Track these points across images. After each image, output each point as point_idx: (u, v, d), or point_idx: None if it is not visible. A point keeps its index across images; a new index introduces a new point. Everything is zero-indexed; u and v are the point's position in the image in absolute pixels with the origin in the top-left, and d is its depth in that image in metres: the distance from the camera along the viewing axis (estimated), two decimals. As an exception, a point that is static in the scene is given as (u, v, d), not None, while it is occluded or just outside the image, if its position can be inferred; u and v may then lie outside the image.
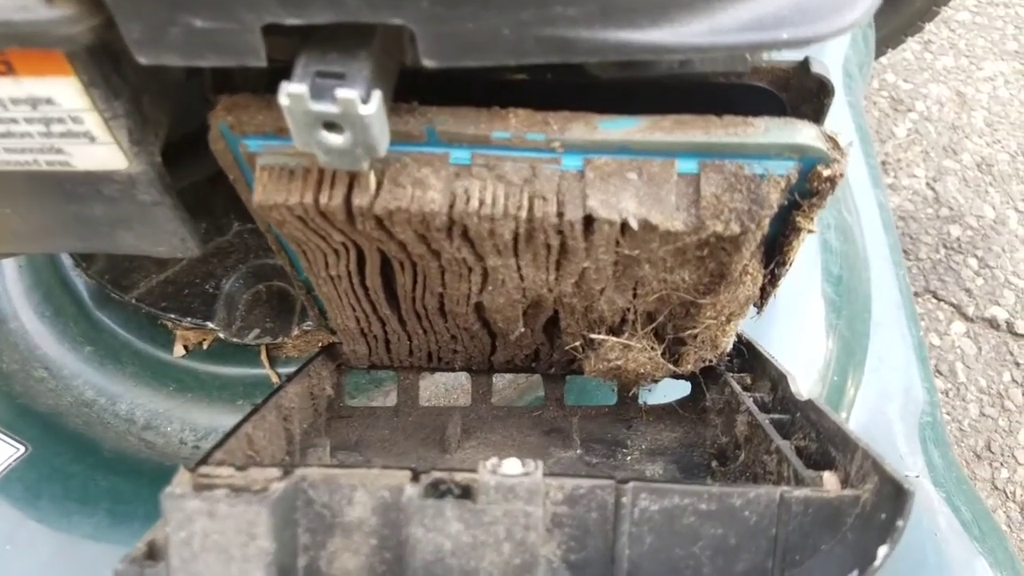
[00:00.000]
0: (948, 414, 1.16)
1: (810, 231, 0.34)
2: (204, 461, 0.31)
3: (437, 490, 0.28)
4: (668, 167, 0.31)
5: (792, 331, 0.78)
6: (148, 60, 0.26)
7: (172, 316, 0.58)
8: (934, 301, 1.27)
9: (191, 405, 0.60)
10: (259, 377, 0.61)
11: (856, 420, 0.75)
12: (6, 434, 0.55)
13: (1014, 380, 1.19)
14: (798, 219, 0.34)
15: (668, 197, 0.31)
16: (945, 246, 1.33)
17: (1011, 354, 1.22)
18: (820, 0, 0.26)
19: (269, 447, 0.38)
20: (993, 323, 1.24)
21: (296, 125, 0.28)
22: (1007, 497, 1.08)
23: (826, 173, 0.31)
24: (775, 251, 0.37)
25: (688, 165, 0.31)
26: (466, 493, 0.28)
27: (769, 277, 0.39)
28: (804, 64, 0.33)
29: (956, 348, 1.22)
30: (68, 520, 0.52)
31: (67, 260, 0.65)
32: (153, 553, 0.28)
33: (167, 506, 0.26)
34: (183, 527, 0.27)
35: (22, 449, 0.55)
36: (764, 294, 0.40)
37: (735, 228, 0.31)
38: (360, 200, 0.31)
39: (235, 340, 0.58)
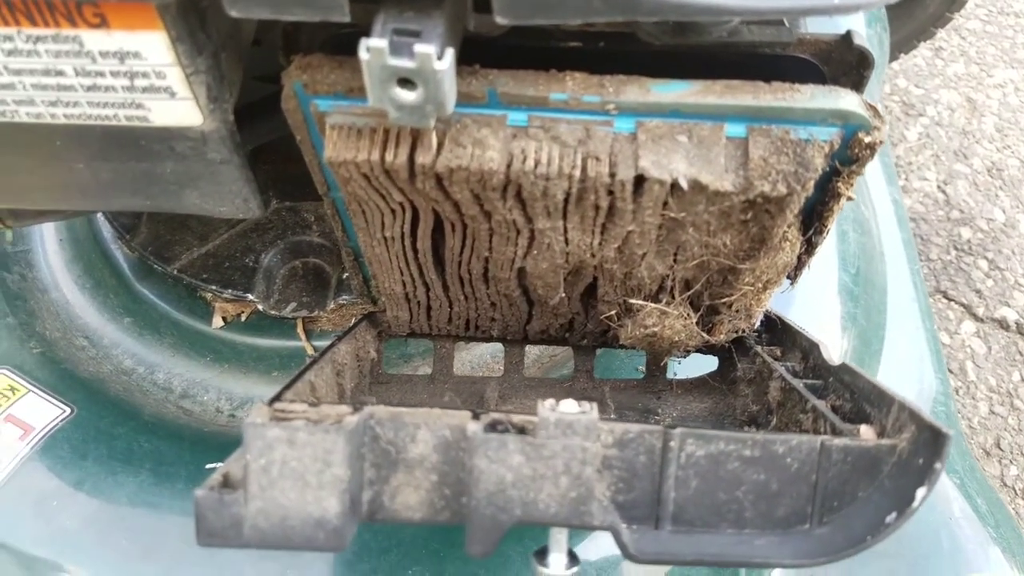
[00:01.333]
0: (958, 412, 1.17)
1: (849, 198, 0.36)
2: (277, 399, 0.32)
3: (495, 429, 0.30)
4: (717, 130, 0.33)
5: (811, 321, 0.79)
6: (238, 13, 0.28)
7: (213, 287, 0.60)
8: (945, 301, 1.29)
9: (227, 375, 0.62)
10: (294, 349, 0.63)
11: (872, 408, 0.76)
12: (52, 396, 0.57)
13: (1023, 379, 1.21)
14: (839, 185, 0.35)
15: (717, 159, 0.33)
16: (956, 248, 1.35)
17: (1020, 354, 1.23)
18: (871, -32, 0.28)
19: (326, 397, 0.39)
20: (1003, 324, 1.26)
21: (372, 80, 0.29)
22: (1016, 494, 1.09)
23: (867, 140, 0.33)
24: (813, 219, 0.39)
25: (736, 129, 0.33)
26: (522, 433, 0.30)
27: (806, 245, 0.40)
28: (847, 37, 0.35)
29: (966, 347, 1.24)
30: (114, 479, 0.53)
31: (107, 234, 0.67)
32: (229, 483, 0.30)
33: (249, 434, 0.28)
34: (263, 454, 0.28)
35: (68, 411, 0.56)
36: (800, 263, 0.42)
37: (782, 189, 0.33)
38: (423, 158, 0.33)
39: (273, 312, 0.60)
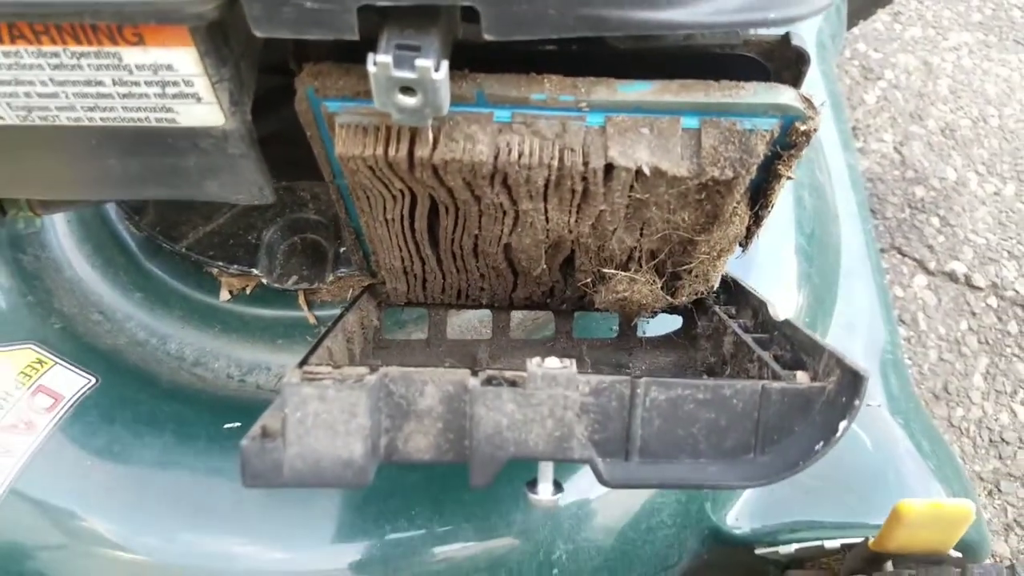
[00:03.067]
0: (910, 359, 1.26)
1: (789, 178, 0.42)
2: (305, 362, 0.38)
3: (492, 383, 0.36)
4: (674, 123, 0.38)
5: (769, 280, 0.86)
6: (263, 33, 0.33)
7: (220, 263, 0.64)
8: (899, 256, 1.37)
9: (235, 344, 0.67)
10: (297, 319, 0.68)
11: (824, 357, 0.84)
12: (77, 367, 0.62)
13: (970, 328, 1.30)
14: (779, 167, 0.41)
15: (675, 148, 0.38)
16: (910, 206, 1.43)
17: (968, 304, 1.32)
18: (801, -14, 0.33)
19: (341, 361, 0.45)
20: (952, 276, 1.35)
21: (378, 88, 0.34)
22: (961, 433, 1.19)
23: (802, 128, 0.39)
24: (759, 196, 0.45)
25: (691, 122, 0.38)
26: (514, 386, 0.36)
27: (754, 219, 0.46)
28: (786, 38, 0.40)
29: (918, 299, 1.32)
30: (140, 441, 0.58)
31: (114, 215, 0.71)
32: (267, 433, 0.35)
33: (287, 392, 0.33)
34: (299, 408, 0.33)
35: (93, 380, 0.61)
36: (749, 233, 0.47)
37: (729, 173, 0.38)
38: (421, 152, 0.38)
39: (276, 286, 0.65)
